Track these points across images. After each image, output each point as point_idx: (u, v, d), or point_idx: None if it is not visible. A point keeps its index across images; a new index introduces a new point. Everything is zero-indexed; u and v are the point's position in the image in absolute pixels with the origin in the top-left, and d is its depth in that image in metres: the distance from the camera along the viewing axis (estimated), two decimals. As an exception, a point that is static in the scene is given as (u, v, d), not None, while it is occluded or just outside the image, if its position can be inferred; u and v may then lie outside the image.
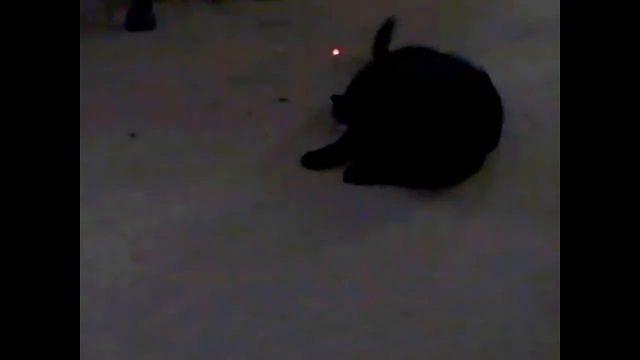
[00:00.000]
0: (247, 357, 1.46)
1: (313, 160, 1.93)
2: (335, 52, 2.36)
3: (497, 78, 1.99)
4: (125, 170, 1.93)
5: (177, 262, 1.66)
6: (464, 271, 1.64)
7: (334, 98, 2.06)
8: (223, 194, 1.86)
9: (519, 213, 1.80)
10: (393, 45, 2.19)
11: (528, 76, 2.32)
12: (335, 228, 1.76)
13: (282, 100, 2.21)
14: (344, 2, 2.82)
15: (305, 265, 1.65)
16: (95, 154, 1.93)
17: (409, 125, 1.83)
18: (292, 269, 1.64)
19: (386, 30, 2.26)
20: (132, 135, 2.06)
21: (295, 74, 2.34)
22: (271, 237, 1.72)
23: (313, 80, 2.28)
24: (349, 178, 1.88)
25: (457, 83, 1.91)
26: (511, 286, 1.60)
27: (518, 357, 1.46)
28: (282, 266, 1.65)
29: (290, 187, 1.88)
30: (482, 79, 1.96)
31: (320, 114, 2.11)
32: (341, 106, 2.04)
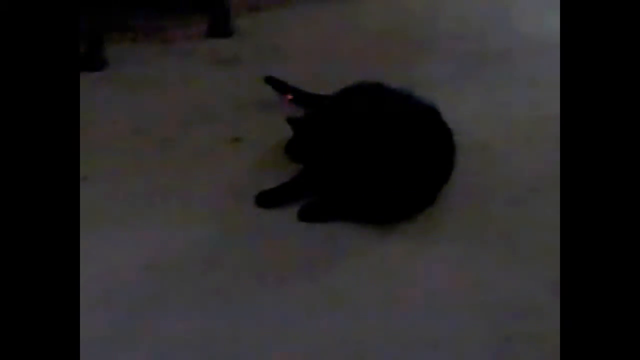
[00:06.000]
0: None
1: (267, 199, 1.92)
2: (290, 97, 2.36)
3: (449, 111, 2.01)
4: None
5: (130, 309, 1.64)
6: (420, 307, 1.63)
7: (289, 120, 2.05)
8: (177, 237, 1.84)
9: (472, 247, 1.80)
10: (345, 82, 2.19)
11: (479, 108, 2.35)
12: (291, 267, 1.75)
13: (236, 139, 2.20)
14: (296, 40, 2.84)
15: (260, 306, 1.64)
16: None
17: (360, 161, 1.84)
18: (247, 310, 1.63)
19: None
20: (84, 178, 2.03)
21: (248, 113, 2.34)
22: (226, 279, 1.71)
23: (266, 119, 2.28)
24: (303, 216, 1.88)
25: (408, 118, 1.92)
26: (466, 321, 1.59)
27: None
28: (236, 308, 1.63)
29: (245, 227, 1.87)
30: (432, 113, 1.97)
31: (274, 152, 2.11)
32: (294, 144, 2.04)
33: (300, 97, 2.32)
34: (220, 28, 2.86)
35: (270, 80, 2.35)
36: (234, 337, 1.57)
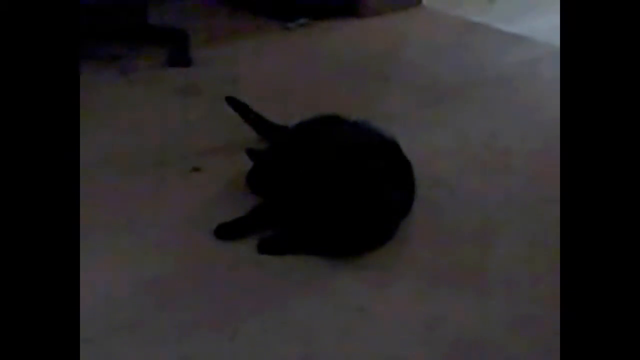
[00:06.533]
0: None
1: (226, 232, 1.91)
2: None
3: (408, 145, 2.02)
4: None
5: (89, 342, 1.61)
6: (380, 341, 1.63)
7: (249, 152, 2.04)
8: (134, 269, 1.82)
9: (431, 281, 1.80)
10: (305, 114, 2.20)
11: (438, 142, 2.37)
12: (250, 300, 1.73)
13: (196, 170, 2.19)
14: (255, 72, 2.84)
15: (219, 340, 1.62)
16: None
17: (320, 194, 1.84)
18: (207, 345, 1.61)
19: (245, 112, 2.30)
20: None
21: (208, 143, 2.33)
22: (185, 312, 1.69)
23: (226, 149, 2.27)
24: (263, 249, 1.87)
25: (368, 151, 1.93)
26: (428, 356, 1.59)
27: None
28: (196, 342, 1.61)
29: (204, 259, 1.85)
30: (392, 146, 1.98)
31: (234, 183, 2.10)
32: (254, 176, 2.03)
33: (261, 123, 2.30)
34: (180, 58, 2.86)
35: (231, 101, 2.33)
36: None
